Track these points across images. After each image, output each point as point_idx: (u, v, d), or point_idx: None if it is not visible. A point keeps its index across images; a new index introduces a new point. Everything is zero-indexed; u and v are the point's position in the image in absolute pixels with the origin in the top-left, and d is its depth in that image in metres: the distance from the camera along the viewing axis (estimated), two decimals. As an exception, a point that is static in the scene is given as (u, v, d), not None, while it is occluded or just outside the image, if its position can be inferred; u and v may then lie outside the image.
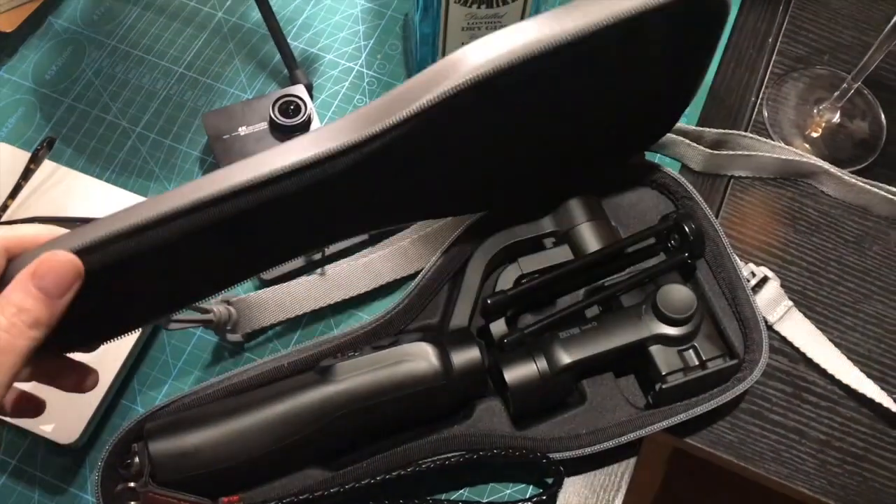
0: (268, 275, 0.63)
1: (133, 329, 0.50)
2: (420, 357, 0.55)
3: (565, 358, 0.56)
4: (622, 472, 0.60)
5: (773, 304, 0.65)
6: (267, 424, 0.54)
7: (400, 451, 0.55)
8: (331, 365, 0.55)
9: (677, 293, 0.58)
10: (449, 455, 0.55)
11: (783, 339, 0.64)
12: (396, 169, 0.50)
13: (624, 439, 0.57)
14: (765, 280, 0.65)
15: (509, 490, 0.59)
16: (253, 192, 0.46)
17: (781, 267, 0.67)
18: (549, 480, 0.58)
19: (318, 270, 0.63)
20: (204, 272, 0.50)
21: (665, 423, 0.57)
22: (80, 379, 0.49)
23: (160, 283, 0.48)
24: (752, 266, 0.65)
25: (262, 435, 0.54)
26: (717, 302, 0.62)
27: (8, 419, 0.58)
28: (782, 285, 0.65)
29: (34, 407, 0.49)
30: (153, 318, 0.53)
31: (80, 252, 0.42)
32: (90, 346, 0.49)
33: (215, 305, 0.60)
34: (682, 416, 0.57)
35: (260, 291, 0.62)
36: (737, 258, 0.62)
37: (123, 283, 0.45)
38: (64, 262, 0.41)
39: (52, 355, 0.47)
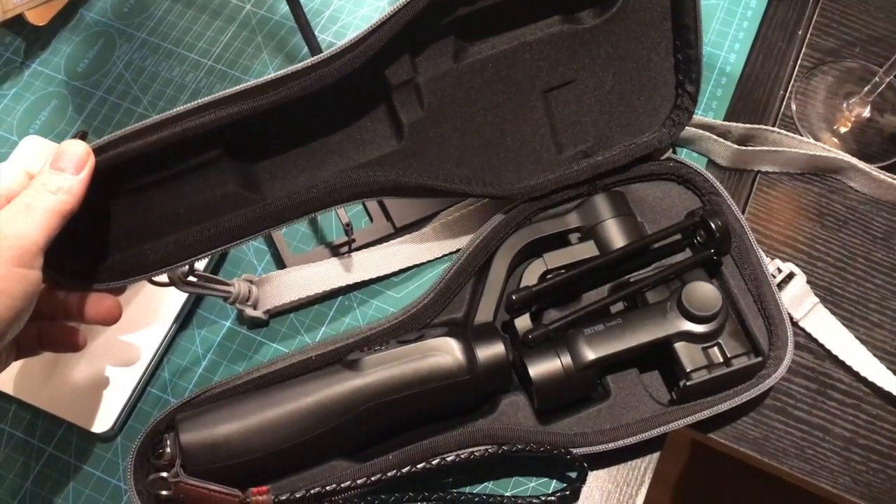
0: (291, 260, 0.64)
1: (151, 272, 0.53)
2: (445, 351, 0.56)
3: (590, 354, 0.57)
4: (645, 466, 0.60)
5: (799, 300, 0.64)
6: (295, 416, 0.54)
7: (425, 444, 0.56)
8: (358, 359, 0.56)
9: (703, 291, 0.58)
10: (473, 449, 0.56)
11: (809, 336, 0.64)
12: None
13: (647, 435, 0.57)
14: (791, 276, 0.64)
15: (532, 483, 0.59)
16: (254, 97, 0.51)
17: (808, 263, 0.67)
18: (573, 475, 0.59)
19: (341, 251, 0.64)
20: (209, 206, 0.53)
21: (688, 420, 0.57)
22: (74, 339, 0.54)
23: (167, 204, 0.53)
24: (778, 262, 0.65)
25: (290, 427, 0.54)
26: (743, 298, 0.62)
27: (43, 408, 0.59)
28: (809, 281, 0.64)
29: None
30: (169, 260, 0.53)
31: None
32: (117, 286, 0.52)
33: (237, 281, 0.61)
34: (706, 413, 0.58)
35: (282, 270, 0.63)
36: (762, 254, 0.62)
37: (134, 195, 0.51)
38: (75, 145, 0.47)
39: (83, 290, 0.52)
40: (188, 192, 0.53)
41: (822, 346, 0.64)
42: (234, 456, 0.54)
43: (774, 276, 0.63)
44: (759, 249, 0.62)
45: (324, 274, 0.63)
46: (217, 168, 0.54)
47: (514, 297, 0.58)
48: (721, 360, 0.58)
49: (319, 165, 0.57)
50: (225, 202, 0.54)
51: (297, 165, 0.57)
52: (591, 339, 0.57)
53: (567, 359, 0.57)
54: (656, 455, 0.61)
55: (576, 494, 0.58)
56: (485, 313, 0.59)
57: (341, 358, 0.58)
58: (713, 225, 0.60)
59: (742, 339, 0.59)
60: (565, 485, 0.58)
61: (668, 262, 0.62)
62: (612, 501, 0.59)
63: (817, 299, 0.64)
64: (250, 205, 0.55)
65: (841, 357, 0.62)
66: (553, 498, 0.57)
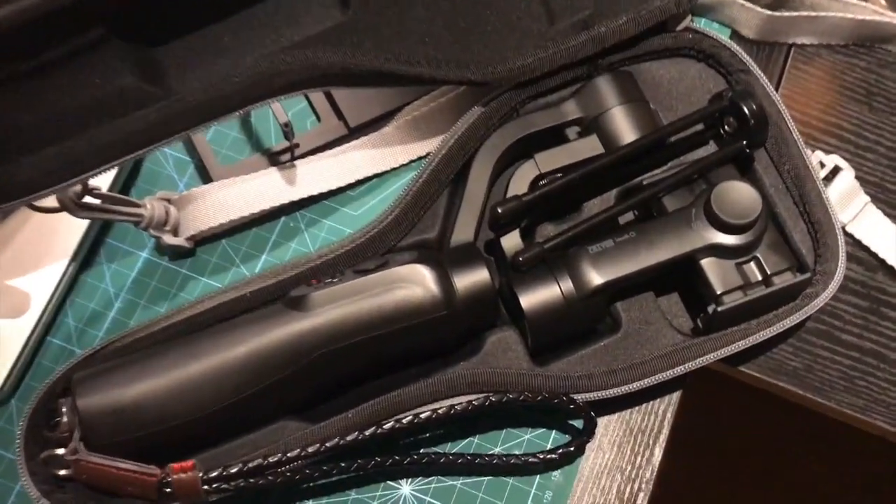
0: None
1: (29, 194, 0.42)
2: (414, 282, 0.44)
3: (596, 278, 0.45)
4: (664, 409, 0.50)
5: (846, 200, 0.53)
6: (226, 371, 0.43)
7: (392, 397, 0.45)
8: (304, 295, 0.44)
9: (737, 192, 0.46)
10: (453, 401, 0.45)
11: (858, 243, 0.54)
12: None
13: (668, 374, 0.46)
14: (836, 171, 0.53)
15: (528, 436, 0.49)
16: None
17: (855, 155, 0.56)
18: (576, 424, 0.48)
19: (282, 160, 0.52)
20: (100, 105, 0.42)
21: (718, 354, 0.47)
22: None
23: (43, 104, 0.41)
24: (819, 154, 0.54)
25: (220, 384, 0.43)
26: (781, 201, 0.50)
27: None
28: (857, 177, 0.54)
29: None
30: (53, 178, 0.42)
31: None
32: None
33: (149, 200, 0.48)
34: (740, 345, 0.47)
35: (207, 185, 0.51)
36: (804, 145, 0.50)
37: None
38: None
39: None
40: (69, 88, 0.42)
41: (874, 254, 0.54)
42: (148, 424, 0.43)
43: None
44: (801, 139, 0.50)
45: (261, 189, 0.51)
46: (105, 54, 0.43)
47: (499, 210, 0.46)
48: (759, 278, 0.47)
49: (242, 47, 0.44)
50: (121, 100, 0.43)
51: (212, 48, 0.44)
52: (598, 258, 0.46)
53: (567, 284, 0.45)
54: (677, 395, 0.50)
55: (581, 449, 0.47)
56: (463, 232, 0.48)
57: (284, 294, 0.46)
58: (746, 109, 0.48)
59: (784, 252, 0.47)
60: (568, 437, 0.48)
61: (688, 160, 0.50)
62: (624, 454, 0.49)
63: (868, 198, 0.54)
64: (154, 102, 0.43)
65: (898, 268, 0.51)
66: (555, 456, 0.46)
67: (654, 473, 0.49)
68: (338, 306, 0.44)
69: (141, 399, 0.42)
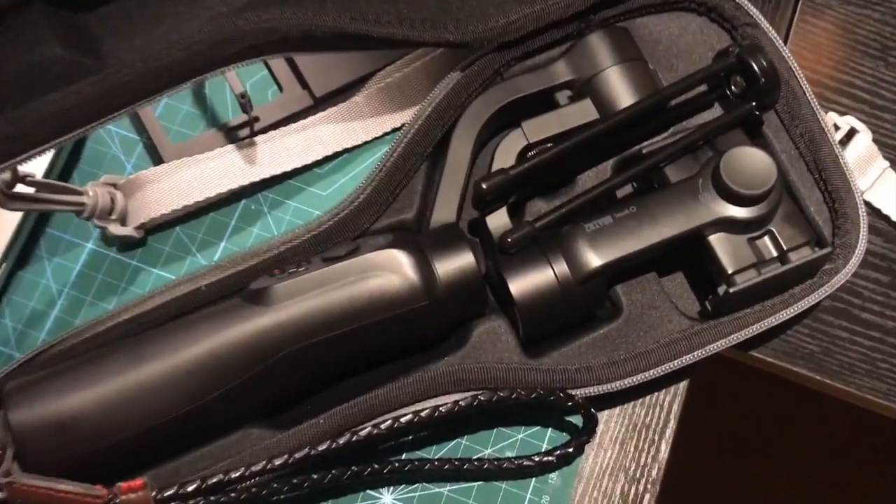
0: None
1: None
2: (390, 269, 0.39)
3: (594, 259, 0.40)
4: (669, 401, 0.45)
5: (863, 165, 0.49)
6: (180, 375, 0.38)
7: (369, 399, 0.40)
8: (266, 287, 0.39)
9: (749, 159, 0.41)
10: (437, 403, 0.40)
11: (877, 213, 0.49)
12: None
13: (676, 364, 0.42)
14: (851, 134, 0.49)
15: (521, 435, 0.44)
16: None
17: (870, 115, 0.51)
18: (574, 420, 0.43)
19: (241, 135, 0.46)
20: (24, 79, 0.37)
21: (730, 340, 0.42)
22: None
23: None
24: (833, 116, 0.49)
25: (173, 390, 0.38)
26: (795, 168, 0.45)
27: None
28: (874, 140, 0.49)
29: None
30: None
31: None
32: None
33: (91, 186, 0.43)
34: (754, 328, 0.42)
35: (157, 167, 0.45)
36: (818, 106, 0.46)
37: None
38: None
39: None
40: None
41: (894, 224, 0.48)
42: (92, 438, 0.38)
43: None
44: (815, 99, 0.45)
45: (218, 169, 0.46)
46: (26, 20, 0.38)
47: (483, 186, 0.41)
48: (774, 254, 0.42)
49: (186, 11, 0.40)
50: (48, 73, 0.38)
51: (150, 13, 0.40)
52: (595, 237, 0.41)
53: (562, 267, 0.40)
54: (683, 385, 0.46)
55: (580, 449, 0.42)
56: (445, 211, 0.43)
57: (243, 287, 0.41)
58: (755, 66, 0.43)
59: (801, 225, 0.43)
60: (565, 434, 0.43)
61: (692, 125, 0.45)
62: (628, 451, 0.44)
63: (887, 163, 0.50)
64: (87, 74, 0.39)
65: (922, 238, 0.47)
66: (552, 458, 0.42)
67: (661, 472, 0.44)
68: (304, 299, 0.39)
69: (83, 410, 0.38)
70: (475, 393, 0.40)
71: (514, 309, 0.41)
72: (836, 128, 0.49)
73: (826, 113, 0.48)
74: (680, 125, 0.46)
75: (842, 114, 0.50)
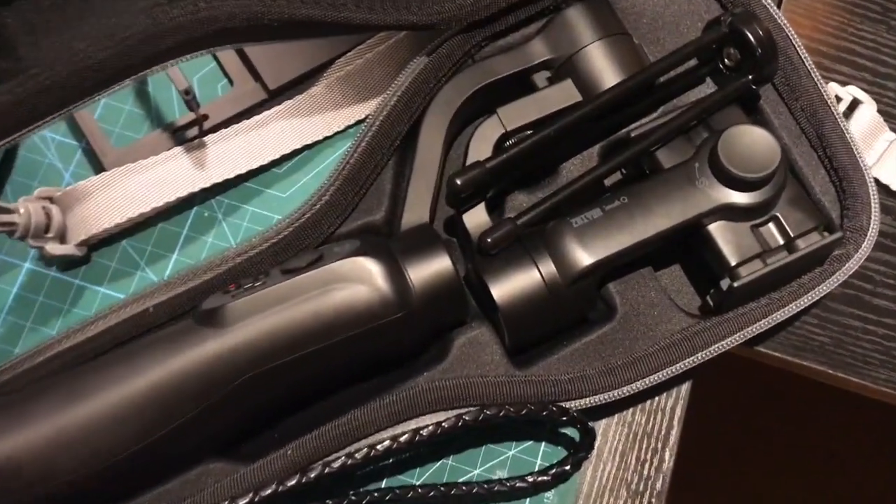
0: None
1: None
2: (358, 279, 0.35)
3: (584, 257, 0.37)
4: (672, 406, 0.42)
5: (869, 139, 0.45)
6: (127, 409, 0.34)
7: (341, 425, 0.36)
8: (220, 306, 0.35)
9: (750, 139, 0.37)
10: (417, 426, 0.36)
11: (886, 190, 0.45)
12: None
13: (679, 367, 0.38)
14: (855, 105, 0.45)
15: (512, 452, 0.40)
16: None
17: (873, 84, 0.47)
18: (569, 432, 0.39)
19: (189, 135, 0.42)
20: None
21: (736, 339, 0.39)
22: None
23: None
24: (834, 86, 0.45)
25: (121, 427, 0.34)
26: (796, 146, 0.42)
27: None
28: (880, 110, 0.45)
29: None
30: None
31: None
32: None
33: (23, 202, 0.39)
34: (762, 325, 0.39)
35: (98, 177, 0.41)
36: (819, 76, 0.42)
37: None
38: None
39: None
40: None
41: None
42: (31, 484, 0.34)
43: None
44: (815, 69, 0.42)
45: (166, 175, 0.42)
46: None
47: (458, 182, 0.37)
48: (780, 242, 0.38)
49: (113, 2, 0.35)
50: None
51: (72, 7, 0.35)
52: (584, 232, 0.37)
53: (549, 267, 0.37)
54: (686, 388, 0.42)
55: (578, 465, 0.38)
56: (416, 211, 0.39)
57: (196, 305, 0.37)
58: (750, 35, 0.39)
59: (808, 208, 0.39)
60: (560, 448, 0.40)
61: (682, 104, 0.42)
62: (628, 464, 0.41)
63: (893, 135, 0.45)
64: (4, 78, 0.33)
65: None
66: (546, 477, 0.38)
67: (666, 484, 0.41)
68: (262, 318, 0.35)
69: (19, 453, 0.33)
70: (459, 412, 0.36)
71: (498, 315, 0.37)
72: (838, 99, 0.45)
73: (826, 83, 0.44)
74: (670, 104, 0.42)
75: (843, 84, 0.46)
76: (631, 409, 0.41)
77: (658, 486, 0.41)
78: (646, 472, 0.41)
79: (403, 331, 0.36)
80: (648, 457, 0.41)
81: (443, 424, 0.36)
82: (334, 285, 0.35)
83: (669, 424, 0.41)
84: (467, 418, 0.36)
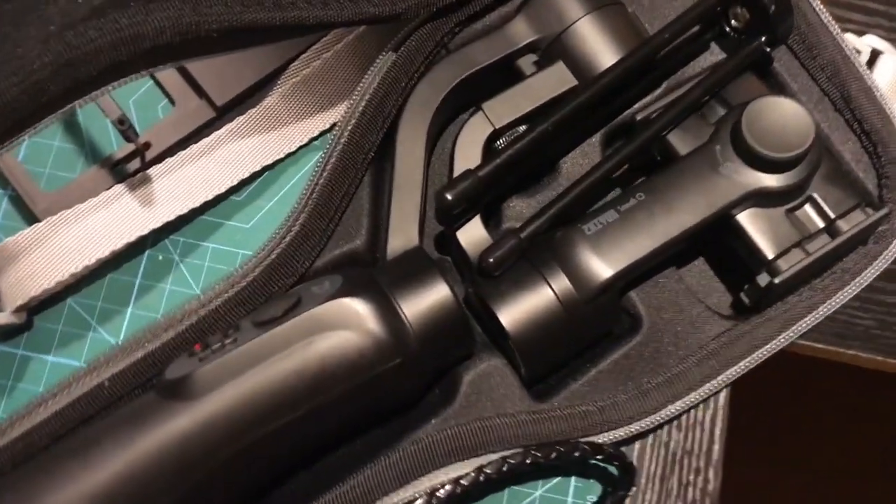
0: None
1: None
2: (345, 324, 0.30)
3: (602, 269, 0.32)
4: (711, 418, 0.37)
5: (892, 92, 0.40)
6: (90, 507, 0.29)
7: (343, 494, 0.31)
8: (187, 374, 0.30)
9: (777, 112, 0.33)
10: (433, 488, 0.31)
11: None
12: None
13: (721, 380, 0.34)
14: (875, 56, 0.40)
15: (539, 492, 0.35)
16: None
17: (890, 31, 0.43)
18: (602, 463, 0.35)
19: (131, 169, 0.37)
20: None
21: (782, 340, 0.34)
22: None
23: None
24: (850, 38, 0.40)
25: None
26: (819, 111, 0.37)
27: None
28: (902, 60, 0.40)
29: None
30: None
31: None
32: None
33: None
34: (808, 322, 0.34)
35: (29, 230, 0.35)
36: (837, 28, 0.37)
37: None
38: None
39: None
40: None
41: None
42: None
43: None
44: (832, 21, 0.37)
45: (108, 218, 0.36)
46: None
47: (448, 197, 0.32)
48: (820, 225, 0.34)
49: (13, 31, 0.29)
50: None
51: None
52: (599, 240, 0.32)
53: (563, 283, 0.32)
54: (724, 395, 0.37)
55: (620, 501, 0.34)
56: (402, 232, 0.34)
57: (159, 374, 0.31)
58: (760, -9, 0.34)
59: (847, 183, 0.34)
60: (594, 483, 0.35)
61: (684, 78, 0.37)
62: (670, 490, 0.36)
63: None
64: None
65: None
66: (584, 524, 0.33)
67: (714, 505, 0.36)
68: (238, 384, 0.29)
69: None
70: (479, 465, 0.31)
71: (510, 343, 0.32)
72: (857, 52, 0.40)
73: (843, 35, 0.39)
74: (673, 78, 0.37)
75: (858, 33, 0.41)
76: (666, 428, 0.37)
77: (705, 509, 0.36)
78: (690, 497, 0.36)
79: (404, 377, 0.31)
80: (692, 479, 0.36)
81: (461, 482, 0.31)
82: (318, 335, 0.30)
83: (710, 439, 0.37)
84: (489, 471, 0.31)
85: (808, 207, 0.34)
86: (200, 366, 0.30)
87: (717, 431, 0.37)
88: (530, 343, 0.32)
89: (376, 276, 0.32)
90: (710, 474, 0.36)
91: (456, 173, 0.33)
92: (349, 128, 0.35)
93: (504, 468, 0.31)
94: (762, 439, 0.46)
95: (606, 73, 0.34)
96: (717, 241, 0.35)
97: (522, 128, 0.34)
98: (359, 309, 0.30)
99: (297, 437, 0.30)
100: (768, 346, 0.34)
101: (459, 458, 0.32)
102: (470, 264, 0.33)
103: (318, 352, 0.30)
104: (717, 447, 0.37)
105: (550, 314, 0.32)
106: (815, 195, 0.34)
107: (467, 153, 0.34)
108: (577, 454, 0.31)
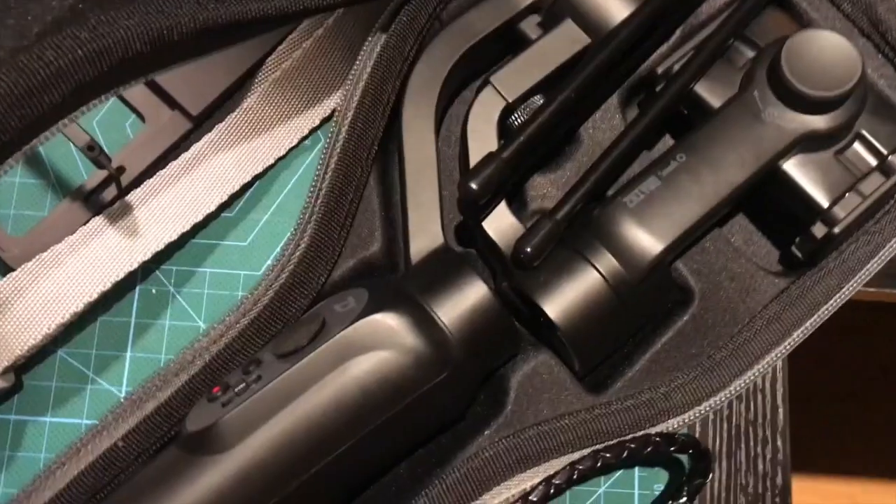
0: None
1: None
2: (381, 343, 0.27)
3: (652, 244, 0.29)
4: (771, 382, 0.35)
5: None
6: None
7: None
8: (211, 425, 0.26)
9: (817, 46, 0.30)
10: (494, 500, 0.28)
11: None
12: None
13: (791, 342, 0.31)
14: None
15: (602, 488, 0.33)
16: None
17: None
18: (674, 452, 0.32)
19: (106, 198, 0.33)
20: None
21: (847, 291, 0.31)
22: None
23: None
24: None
25: None
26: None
27: None
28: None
29: None
30: None
31: None
32: None
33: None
34: (871, 268, 0.31)
35: (2, 281, 0.31)
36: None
37: None
38: None
39: None
40: None
41: None
42: None
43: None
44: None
45: (90, 258, 0.32)
46: None
47: (473, 186, 0.28)
48: (872, 163, 0.31)
49: None
50: None
51: None
52: (644, 212, 0.29)
53: (609, 263, 0.29)
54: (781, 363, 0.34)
55: (695, 494, 0.31)
56: (425, 231, 0.30)
57: (178, 424, 0.28)
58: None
59: (893, 115, 0.31)
60: (660, 472, 0.32)
61: (698, 21, 0.34)
62: (739, 465, 0.34)
63: None
64: None
65: None
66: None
67: (788, 474, 0.34)
68: (270, 428, 0.26)
69: None
70: (547, 477, 0.28)
71: (559, 334, 0.29)
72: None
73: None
74: (687, 23, 0.34)
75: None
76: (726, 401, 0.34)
77: (779, 481, 0.34)
78: (761, 469, 0.34)
79: (451, 390, 0.28)
80: (759, 450, 0.34)
81: (531, 498, 0.28)
82: (352, 360, 0.27)
83: (774, 406, 0.34)
84: (558, 482, 0.28)
85: (857, 146, 0.31)
86: (225, 412, 0.26)
87: (780, 396, 0.34)
88: (581, 333, 0.29)
89: (404, 285, 0.29)
90: (779, 442, 0.34)
91: (472, 158, 0.30)
92: (347, 122, 0.31)
93: (574, 476, 0.28)
94: (827, 399, 0.43)
95: (623, 25, 0.31)
96: (761, 194, 0.32)
97: (537, 98, 0.31)
98: (392, 324, 0.27)
99: (339, 474, 0.27)
100: (832, 301, 0.31)
101: (521, 470, 0.29)
102: (502, 256, 0.30)
103: (355, 379, 0.27)
104: (781, 412, 0.34)
105: (600, 299, 0.29)
106: (864, 132, 0.31)
107: (481, 133, 0.31)
108: (649, 449, 0.28)
